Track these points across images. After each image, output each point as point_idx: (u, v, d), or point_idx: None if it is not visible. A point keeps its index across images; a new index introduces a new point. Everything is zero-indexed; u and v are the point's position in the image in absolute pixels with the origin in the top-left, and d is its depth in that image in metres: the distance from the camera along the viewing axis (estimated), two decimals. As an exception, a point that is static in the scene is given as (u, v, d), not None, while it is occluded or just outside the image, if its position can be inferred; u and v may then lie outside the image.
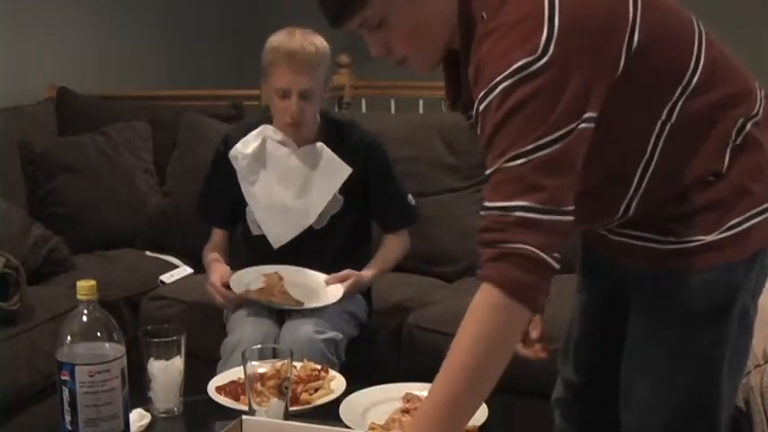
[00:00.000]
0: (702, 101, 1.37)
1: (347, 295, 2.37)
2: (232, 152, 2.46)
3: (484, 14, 1.30)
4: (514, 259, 1.24)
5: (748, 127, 1.40)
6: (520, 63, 1.23)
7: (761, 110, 1.42)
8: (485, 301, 1.27)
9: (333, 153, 2.43)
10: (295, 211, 2.44)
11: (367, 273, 2.45)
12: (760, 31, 4.30)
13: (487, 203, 1.27)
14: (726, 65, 1.42)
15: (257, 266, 2.41)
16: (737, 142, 1.39)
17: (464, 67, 1.37)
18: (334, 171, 2.43)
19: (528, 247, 1.23)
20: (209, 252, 2.53)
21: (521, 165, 1.24)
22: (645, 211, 1.42)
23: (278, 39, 2.37)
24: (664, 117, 1.36)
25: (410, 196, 2.57)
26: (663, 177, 1.39)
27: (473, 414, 1.34)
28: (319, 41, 2.37)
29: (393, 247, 2.54)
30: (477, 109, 1.29)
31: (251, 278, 2.38)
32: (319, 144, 2.43)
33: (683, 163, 1.38)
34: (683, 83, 1.35)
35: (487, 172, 1.28)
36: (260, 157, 2.45)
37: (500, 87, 1.25)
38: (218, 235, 2.56)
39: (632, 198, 1.41)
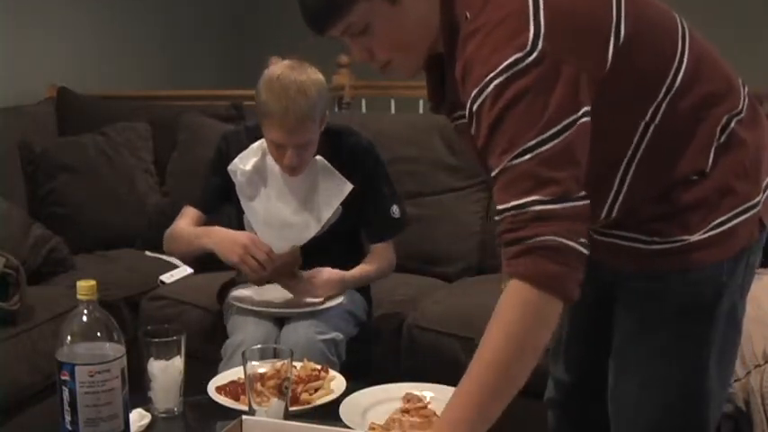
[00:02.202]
0: (687, 100, 1.36)
1: (327, 287, 2.34)
2: (231, 167, 2.41)
3: (467, 15, 1.30)
4: (540, 252, 1.22)
5: (732, 124, 1.39)
6: (510, 59, 1.23)
7: (744, 106, 1.42)
8: (514, 297, 1.24)
9: (333, 168, 2.38)
10: (295, 227, 2.40)
11: (345, 272, 2.38)
12: (760, 31, 4.30)
13: (501, 206, 1.25)
14: (709, 62, 1.41)
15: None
16: (721, 141, 1.38)
17: (449, 69, 1.36)
18: (335, 188, 2.39)
19: (552, 237, 1.22)
20: (192, 227, 2.45)
21: (527, 161, 1.23)
22: (629, 212, 1.41)
23: (270, 88, 2.22)
24: (647, 118, 1.36)
25: (395, 207, 2.45)
26: (646, 177, 1.38)
27: (500, 413, 1.27)
28: (311, 81, 2.24)
29: (373, 257, 2.46)
30: (471, 109, 1.29)
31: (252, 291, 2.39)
32: (318, 158, 2.38)
33: (667, 163, 1.38)
34: (668, 81, 1.35)
35: (493, 173, 1.26)
36: (260, 170, 2.41)
37: (492, 85, 1.24)
38: (197, 215, 2.48)
39: (615, 198, 1.40)
